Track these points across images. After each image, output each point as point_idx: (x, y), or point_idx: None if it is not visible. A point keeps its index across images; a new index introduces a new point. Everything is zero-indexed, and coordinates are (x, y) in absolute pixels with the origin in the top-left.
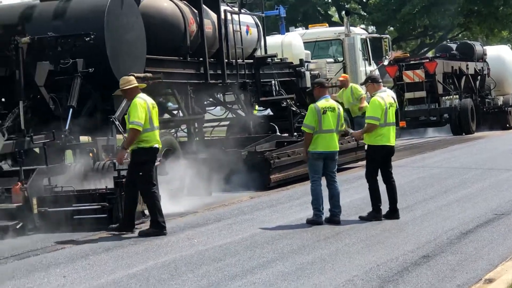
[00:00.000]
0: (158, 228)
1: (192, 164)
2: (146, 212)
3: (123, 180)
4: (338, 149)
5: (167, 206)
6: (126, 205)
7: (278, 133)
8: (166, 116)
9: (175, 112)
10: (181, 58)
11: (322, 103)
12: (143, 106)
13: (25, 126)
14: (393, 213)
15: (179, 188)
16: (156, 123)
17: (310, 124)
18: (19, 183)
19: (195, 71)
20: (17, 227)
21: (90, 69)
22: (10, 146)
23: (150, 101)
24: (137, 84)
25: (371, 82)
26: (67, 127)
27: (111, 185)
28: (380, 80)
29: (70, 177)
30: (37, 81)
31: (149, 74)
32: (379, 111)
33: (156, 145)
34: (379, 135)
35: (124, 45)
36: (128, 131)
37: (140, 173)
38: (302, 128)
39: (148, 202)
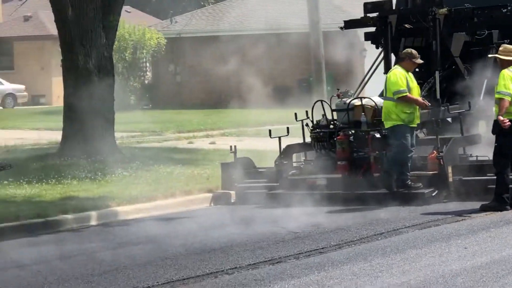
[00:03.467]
0: (500, 202)
1: None
2: None
3: None
4: None
5: None
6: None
7: None
8: None
9: None
10: None
11: None
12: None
13: (440, 96)
14: None
15: None
16: None
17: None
18: (435, 152)
19: None
20: (433, 194)
21: (506, 40)
22: (426, 115)
23: None
24: None
25: None
26: (481, 98)
27: None
28: None
29: (485, 147)
30: (453, 52)
31: None
32: None
33: None
34: None
35: None
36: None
37: (495, 144)
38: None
39: (497, 175)
